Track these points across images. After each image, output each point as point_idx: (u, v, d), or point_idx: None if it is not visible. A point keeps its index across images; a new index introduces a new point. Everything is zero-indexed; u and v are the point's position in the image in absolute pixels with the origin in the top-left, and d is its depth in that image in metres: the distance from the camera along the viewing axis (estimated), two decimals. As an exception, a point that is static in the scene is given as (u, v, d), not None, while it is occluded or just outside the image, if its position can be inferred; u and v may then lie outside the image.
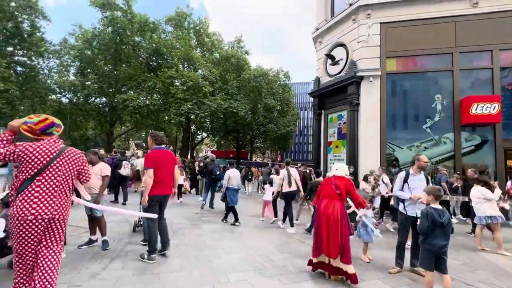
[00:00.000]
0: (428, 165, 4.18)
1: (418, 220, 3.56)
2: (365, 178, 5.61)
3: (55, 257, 2.26)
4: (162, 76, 19.94)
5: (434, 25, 10.03)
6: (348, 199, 3.69)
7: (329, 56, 11.90)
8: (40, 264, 2.20)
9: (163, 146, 4.03)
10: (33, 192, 2.16)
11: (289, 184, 6.29)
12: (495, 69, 9.45)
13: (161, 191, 3.83)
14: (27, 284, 2.20)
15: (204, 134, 34.06)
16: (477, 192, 5.39)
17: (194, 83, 19.95)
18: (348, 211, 3.95)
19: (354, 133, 10.60)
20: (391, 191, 7.48)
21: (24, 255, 2.15)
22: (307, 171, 11.19)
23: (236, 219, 6.63)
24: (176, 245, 4.56)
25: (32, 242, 2.15)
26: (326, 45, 12.50)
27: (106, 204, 4.27)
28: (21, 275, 2.18)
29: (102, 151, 14.28)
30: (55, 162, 2.29)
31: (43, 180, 2.21)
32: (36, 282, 2.15)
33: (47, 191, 2.21)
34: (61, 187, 2.31)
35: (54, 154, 2.31)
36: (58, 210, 2.25)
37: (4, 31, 18.25)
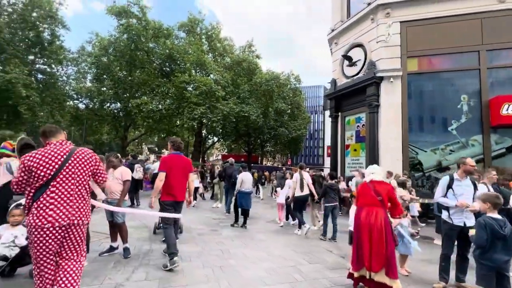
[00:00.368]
0: (475, 169, 3.79)
1: (470, 231, 3.20)
2: (403, 184, 5.21)
3: (75, 269, 2.14)
4: (175, 81, 20.08)
5: (458, 22, 9.54)
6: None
7: (346, 57, 11.56)
8: (60, 277, 2.08)
9: (179, 152, 4.03)
10: (48, 198, 2.03)
11: (301, 188, 6.22)
12: (527, 66, 8.88)
13: (173, 197, 3.77)
14: None
15: (215, 138, 34.07)
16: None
17: (207, 87, 19.99)
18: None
19: (374, 136, 10.17)
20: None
21: (43, 266, 2.03)
22: (322, 174, 10.95)
23: (245, 222, 6.62)
24: (198, 253, 4.33)
25: (51, 252, 2.03)
26: (343, 46, 12.16)
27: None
28: (42, 286, 2.05)
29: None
30: (66, 165, 2.15)
31: (57, 185, 2.08)
32: None
33: (62, 195, 2.07)
34: (76, 190, 2.17)
35: (64, 156, 2.16)
36: (76, 215, 2.12)
37: (26, 40, 18.90)
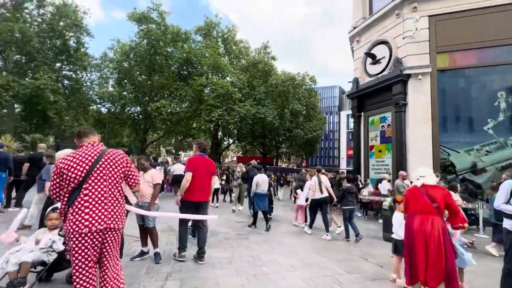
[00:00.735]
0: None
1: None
2: (454, 188, 4.78)
3: (115, 275, 2.08)
4: (193, 84, 20.23)
5: (493, 14, 8.88)
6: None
7: (369, 54, 11.10)
8: (104, 284, 2.04)
9: (204, 153, 4.15)
10: (82, 202, 1.96)
11: (320, 191, 6.26)
12: None
13: (196, 197, 3.87)
14: None
15: (230, 140, 34.10)
16: None
17: (224, 90, 20.00)
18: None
19: (401, 136, 9.65)
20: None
21: (83, 272, 1.93)
22: (341, 176, 10.60)
23: (254, 223, 6.71)
24: (229, 259, 4.14)
25: (90, 257, 1.94)
26: (365, 44, 11.71)
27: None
28: None
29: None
30: (97, 166, 2.06)
31: (89, 188, 2.00)
32: None
33: (96, 198, 1.99)
34: (110, 193, 2.08)
35: (95, 158, 2.08)
36: (112, 219, 2.02)
37: (54, 48, 19.75)
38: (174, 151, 45.74)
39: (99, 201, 2.00)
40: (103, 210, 1.99)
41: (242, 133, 25.84)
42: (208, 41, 23.64)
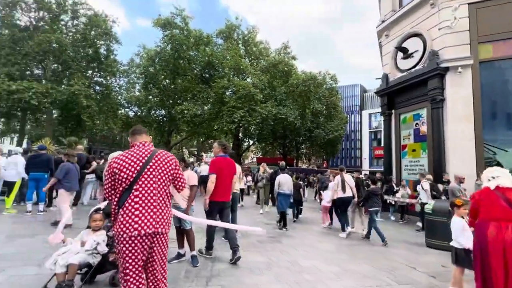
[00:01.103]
0: None
1: None
2: None
3: (163, 279, 2.02)
4: (215, 87, 20.40)
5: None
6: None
7: (401, 49, 10.44)
8: None
9: (227, 154, 4.23)
10: (133, 204, 1.90)
11: (343, 190, 6.23)
12: None
13: (221, 197, 3.95)
14: None
15: (251, 141, 34.05)
16: None
17: (246, 91, 19.96)
18: None
19: (439, 134, 8.93)
20: (434, 198, 6.90)
21: (132, 275, 1.88)
22: (362, 177, 10.26)
23: (285, 225, 6.57)
24: (266, 264, 3.93)
25: (138, 261, 1.89)
26: (395, 38, 11.04)
27: (192, 215, 3.84)
28: None
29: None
30: (147, 167, 2.00)
31: (140, 189, 1.94)
32: None
33: (146, 201, 1.92)
34: (158, 195, 2.00)
35: (146, 158, 2.02)
36: (160, 223, 1.95)
37: (87, 56, 20.85)
38: (196, 152, 46.60)
39: (149, 204, 1.93)
40: (151, 213, 1.92)
41: (263, 134, 25.68)
42: (229, 43, 23.77)
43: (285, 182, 6.81)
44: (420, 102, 9.85)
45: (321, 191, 8.45)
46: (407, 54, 10.33)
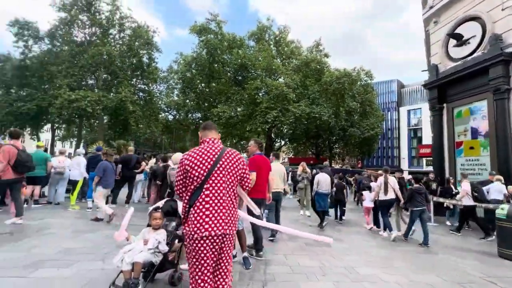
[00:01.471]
0: None
1: None
2: None
3: (229, 282, 1.96)
4: (248, 88, 20.51)
5: None
6: None
7: (454, 35, 9.33)
8: None
9: (263, 152, 4.37)
10: (204, 203, 1.84)
11: (385, 192, 6.03)
12: None
13: (258, 194, 3.96)
14: None
15: (282, 142, 33.64)
16: None
17: (278, 91, 19.74)
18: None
19: (505, 129, 7.77)
20: (477, 200, 6.59)
21: (201, 276, 1.82)
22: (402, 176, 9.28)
23: (322, 222, 6.51)
24: (321, 270, 3.64)
25: (209, 262, 1.83)
26: (446, 24, 9.91)
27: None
28: None
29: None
30: (218, 165, 1.92)
31: (210, 188, 1.87)
32: None
33: (216, 201, 1.85)
34: (228, 195, 1.92)
35: (216, 156, 1.94)
36: (229, 224, 1.88)
37: (132, 65, 22.45)
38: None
39: (218, 204, 1.86)
40: (221, 214, 1.85)
41: (296, 134, 25.20)
42: (261, 45, 23.75)
43: (323, 181, 6.73)
44: (479, 94, 8.68)
45: (363, 192, 7.96)
46: (461, 41, 9.19)
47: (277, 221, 5.39)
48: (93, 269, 3.09)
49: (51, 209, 6.41)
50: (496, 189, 6.28)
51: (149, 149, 38.03)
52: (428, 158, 30.79)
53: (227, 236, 1.88)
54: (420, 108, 59.28)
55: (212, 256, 1.84)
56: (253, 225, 3.82)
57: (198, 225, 1.80)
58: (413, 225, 5.73)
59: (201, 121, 26.88)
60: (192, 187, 1.88)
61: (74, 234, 4.52)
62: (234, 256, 3.73)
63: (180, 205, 2.95)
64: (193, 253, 1.82)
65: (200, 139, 2.12)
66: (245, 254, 3.61)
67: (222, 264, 1.92)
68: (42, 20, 66.85)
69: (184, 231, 1.91)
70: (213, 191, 1.86)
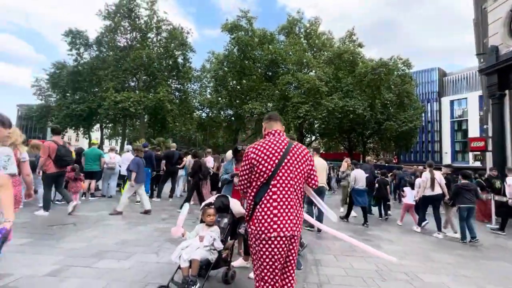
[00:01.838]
0: None
1: None
2: None
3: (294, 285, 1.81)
4: (279, 84, 20.14)
5: None
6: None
7: (522, 11, 7.98)
8: None
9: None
10: (271, 201, 1.68)
11: (432, 188, 5.75)
12: None
13: None
14: None
15: (313, 137, 32.65)
16: None
17: (310, 85, 19.07)
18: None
19: None
20: None
21: (267, 280, 1.68)
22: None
23: (366, 221, 6.22)
24: (378, 275, 3.30)
25: (277, 265, 1.68)
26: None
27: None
28: None
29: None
30: (285, 160, 1.74)
31: (277, 185, 1.70)
32: None
33: (284, 199, 1.69)
34: (295, 193, 1.75)
35: (284, 150, 1.76)
36: (297, 225, 1.72)
37: (168, 66, 23.44)
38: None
39: (286, 202, 1.70)
40: (289, 214, 1.69)
41: (328, 128, 24.25)
42: (291, 38, 23.12)
43: (360, 177, 6.52)
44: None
45: (404, 188, 7.41)
46: (531, 17, 7.83)
47: (319, 219, 5.10)
48: (149, 262, 3.13)
49: (105, 202, 6.87)
50: None
51: (185, 146, 39.71)
52: (477, 153, 27.55)
53: (295, 238, 1.74)
54: (466, 98, 53.33)
55: (280, 258, 1.69)
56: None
57: (266, 224, 1.65)
58: (463, 223, 5.29)
59: (233, 118, 27.20)
60: (259, 183, 1.72)
61: (127, 226, 4.72)
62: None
63: (232, 202, 2.85)
64: (260, 254, 1.69)
65: (264, 131, 1.96)
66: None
67: (290, 267, 1.79)
68: (90, 29, 73.17)
69: (250, 229, 1.76)
70: (281, 188, 1.70)
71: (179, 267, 2.40)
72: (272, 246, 1.65)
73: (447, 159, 51.35)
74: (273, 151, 1.74)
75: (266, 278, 1.69)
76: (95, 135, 35.25)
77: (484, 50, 9.76)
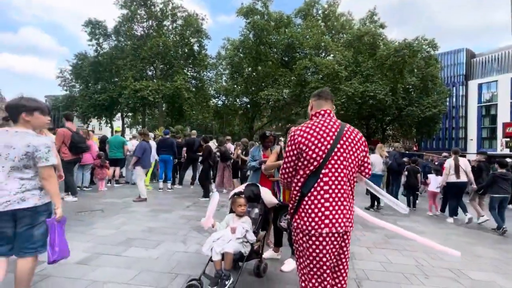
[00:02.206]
0: None
1: None
2: None
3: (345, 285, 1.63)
4: (296, 69, 19.41)
5: None
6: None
7: None
8: None
9: None
10: (322, 193, 1.46)
11: (457, 175, 5.59)
12: None
13: None
14: None
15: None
16: None
17: (329, 69, 18.20)
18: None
19: None
20: None
21: (317, 280, 1.49)
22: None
23: (372, 205, 6.37)
24: (420, 271, 3.01)
25: (327, 264, 1.47)
26: None
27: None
28: None
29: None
30: (338, 146, 1.50)
31: (329, 175, 1.47)
32: None
33: (336, 190, 1.47)
34: (348, 184, 1.53)
35: (336, 133, 1.51)
36: (350, 220, 1.53)
37: (184, 54, 23.24)
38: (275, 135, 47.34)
39: (339, 194, 1.48)
40: (342, 207, 1.48)
41: (347, 115, 23.31)
42: (308, 21, 22.01)
43: (377, 163, 6.42)
44: None
45: (428, 175, 7.04)
46: None
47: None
48: (177, 251, 3.04)
49: (129, 188, 6.94)
50: None
51: (201, 133, 40.09)
52: (507, 139, 25.53)
53: (348, 234, 1.56)
54: (496, 81, 49.22)
55: (332, 256, 1.50)
56: None
57: (316, 219, 1.45)
58: (495, 212, 5.08)
59: (249, 106, 26.86)
60: (307, 171, 1.49)
61: (152, 213, 4.69)
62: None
63: (262, 191, 2.64)
64: (309, 252, 1.48)
65: (310, 110, 1.68)
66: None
67: (342, 267, 1.60)
68: (109, 19, 73.98)
69: (295, 224, 1.54)
70: (333, 178, 1.47)
71: (210, 260, 2.24)
72: (324, 243, 1.45)
73: (472, 147, 48.45)
74: (325, 135, 1.49)
75: (315, 278, 1.49)
76: (117, 124, 36.39)
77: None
